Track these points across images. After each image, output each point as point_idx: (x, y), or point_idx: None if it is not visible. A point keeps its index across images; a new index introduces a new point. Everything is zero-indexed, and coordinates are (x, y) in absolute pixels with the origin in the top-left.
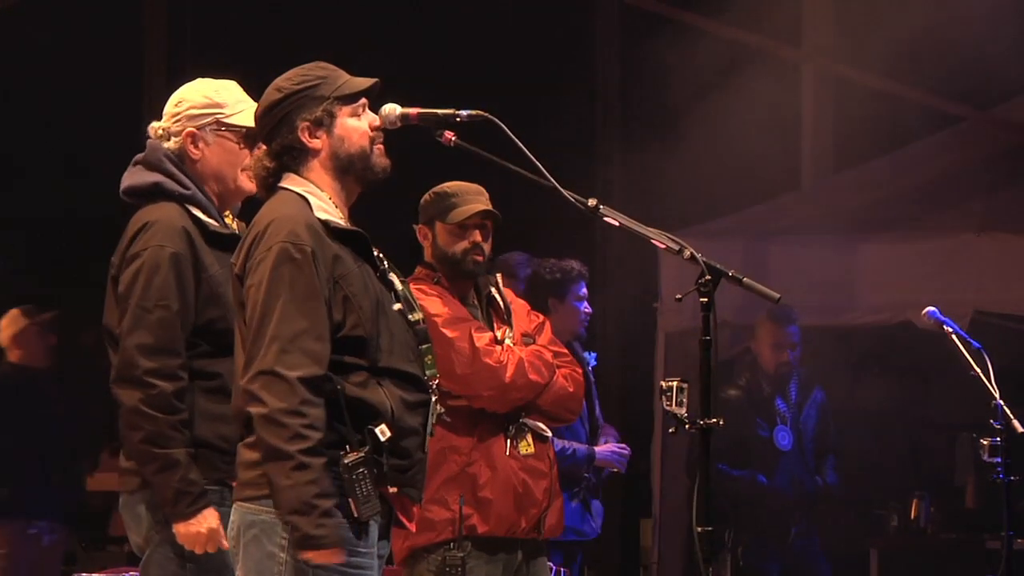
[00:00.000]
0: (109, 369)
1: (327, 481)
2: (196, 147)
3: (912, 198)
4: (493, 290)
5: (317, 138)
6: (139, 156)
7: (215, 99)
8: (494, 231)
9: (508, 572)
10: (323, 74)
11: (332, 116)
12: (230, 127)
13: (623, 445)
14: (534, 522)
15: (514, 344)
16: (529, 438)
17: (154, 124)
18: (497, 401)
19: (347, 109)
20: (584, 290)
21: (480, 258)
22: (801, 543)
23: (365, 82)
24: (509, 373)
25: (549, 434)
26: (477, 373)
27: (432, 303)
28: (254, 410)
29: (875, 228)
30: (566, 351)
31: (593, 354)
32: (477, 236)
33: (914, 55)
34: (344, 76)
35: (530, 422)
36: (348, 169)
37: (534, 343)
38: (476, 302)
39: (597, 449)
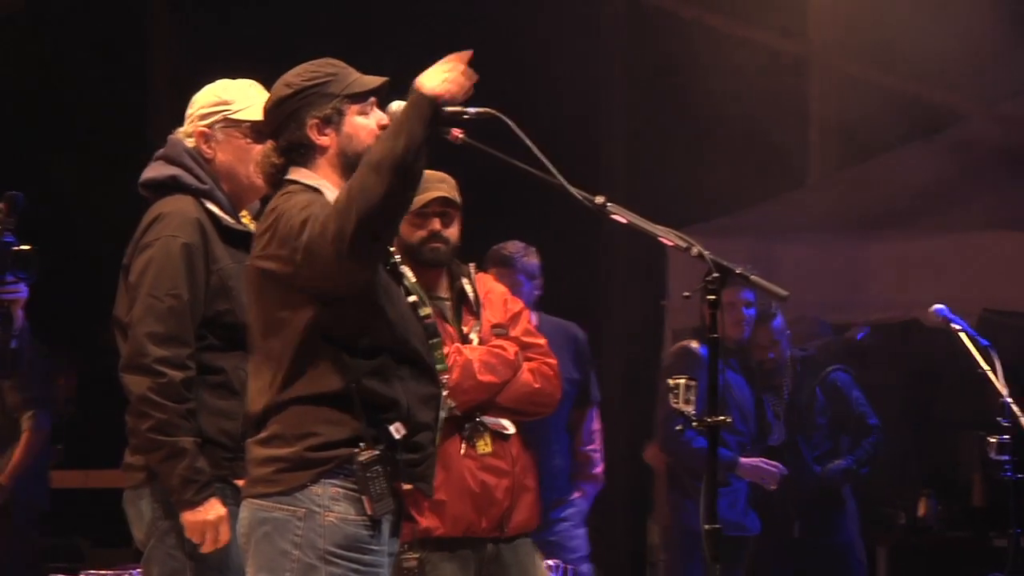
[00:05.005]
0: (118, 359)
1: None
2: (208, 146)
3: (919, 195)
4: (464, 281)
5: (325, 135)
6: (160, 151)
7: (223, 96)
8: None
9: (478, 567)
10: (333, 71)
11: (341, 114)
12: (237, 123)
13: (773, 463)
14: (495, 521)
15: (480, 338)
16: (487, 437)
17: (178, 129)
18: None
19: (356, 107)
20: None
21: (439, 246)
22: (816, 539)
23: (375, 81)
24: (452, 377)
25: (510, 431)
26: None
27: None
28: None
29: (882, 226)
30: (542, 343)
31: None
32: (436, 224)
33: (921, 51)
34: (354, 74)
35: (489, 420)
36: (355, 167)
37: (506, 334)
38: (448, 294)
39: (742, 460)
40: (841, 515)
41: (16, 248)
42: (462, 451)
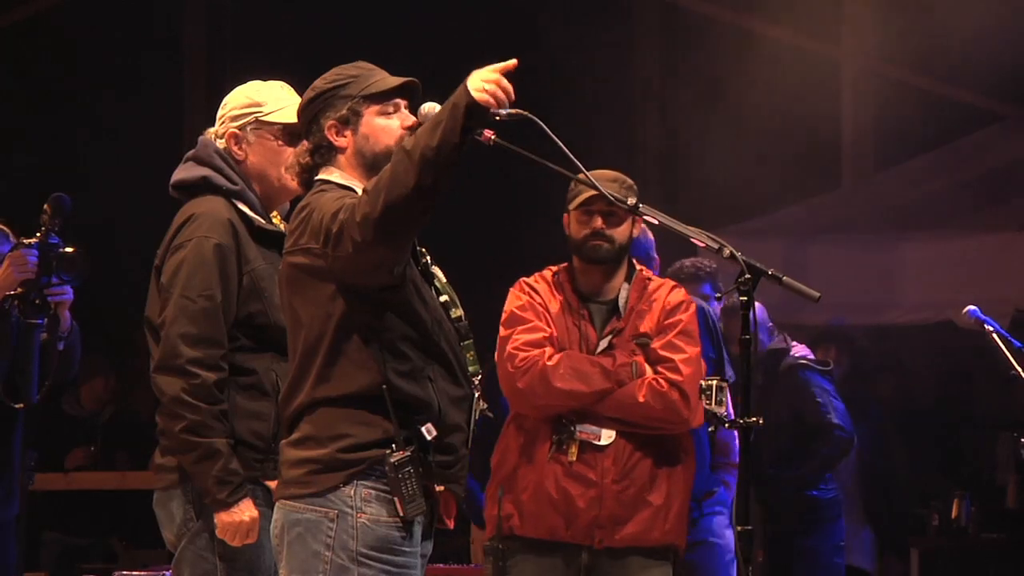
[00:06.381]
0: (149, 360)
1: None
2: (239, 147)
3: (952, 197)
4: (624, 285)
5: (343, 136)
6: (190, 152)
7: (255, 99)
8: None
9: (575, 574)
10: (355, 73)
11: (358, 115)
12: (269, 125)
13: None
14: (583, 530)
15: (612, 344)
16: (575, 446)
17: (208, 130)
18: (517, 405)
19: (375, 108)
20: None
21: (601, 244)
22: (787, 548)
23: (395, 81)
24: (523, 380)
25: (600, 442)
26: (503, 375)
27: (513, 298)
28: None
29: (915, 227)
30: (675, 358)
31: None
32: (598, 222)
33: (954, 52)
34: (378, 75)
35: (582, 428)
36: (373, 167)
37: (648, 344)
38: (608, 297)
39: None
40: (807, 519)
41: (62, 250)
42: (549, 456)
